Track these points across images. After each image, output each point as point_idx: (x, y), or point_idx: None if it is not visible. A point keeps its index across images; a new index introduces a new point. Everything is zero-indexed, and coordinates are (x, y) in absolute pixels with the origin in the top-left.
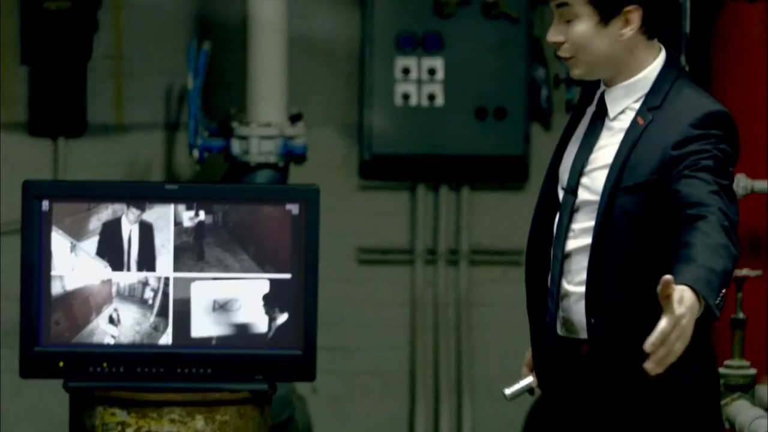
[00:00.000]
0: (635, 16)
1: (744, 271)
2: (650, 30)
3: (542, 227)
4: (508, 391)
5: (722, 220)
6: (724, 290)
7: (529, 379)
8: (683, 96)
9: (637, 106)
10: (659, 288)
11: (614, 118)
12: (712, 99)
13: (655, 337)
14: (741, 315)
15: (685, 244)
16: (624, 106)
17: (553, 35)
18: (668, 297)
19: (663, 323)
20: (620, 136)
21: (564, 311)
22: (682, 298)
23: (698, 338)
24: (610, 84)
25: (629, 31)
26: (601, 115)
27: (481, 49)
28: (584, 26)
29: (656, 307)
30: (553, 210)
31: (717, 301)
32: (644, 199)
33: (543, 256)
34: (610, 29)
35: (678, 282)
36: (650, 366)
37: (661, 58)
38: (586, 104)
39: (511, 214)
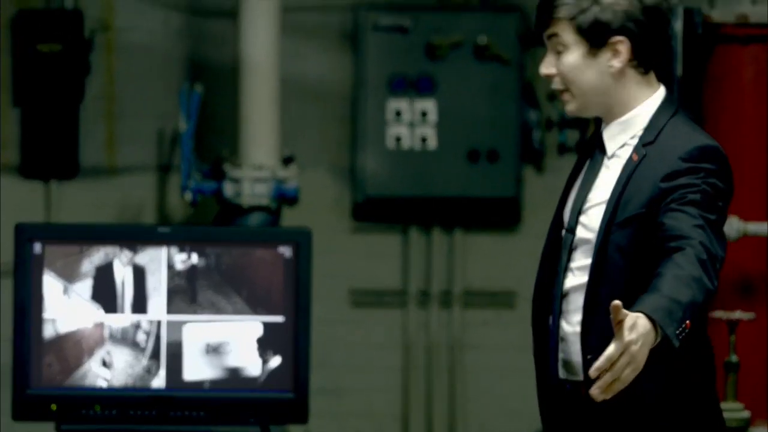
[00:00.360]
0: (623, 47)
1: (737, 314)
2: (642, 63)
3: (547, 270)
4: None
5: (701, 253)
6: (687, 321)
7: None
8: (677, 131)
9: (634, 142)
10: (611, 314)
11: (612, 156)
12: (705, 135)
13: (600, 362)
14: (734, 358)
15: (657, 275)
16: (621, 142)
17: (545, 68)
18: (620, 323)
19: (610, 349)
20: (618, 173)
21: (564, 353)
22: (635, 325)
23: (698, 380)
24: (607, 121)
25: (618, 63)
26: (600, 154)
27: (474, 92)
28: (573, 56)
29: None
30: (557, 252)
31: (678, 331)
32: (635, 234)
33: (547, 298)
34: (599, 60)
35: (635, 310)
36: (595, 392)
37: (658, 95)
38: (591, 146)
39: (504, 256)
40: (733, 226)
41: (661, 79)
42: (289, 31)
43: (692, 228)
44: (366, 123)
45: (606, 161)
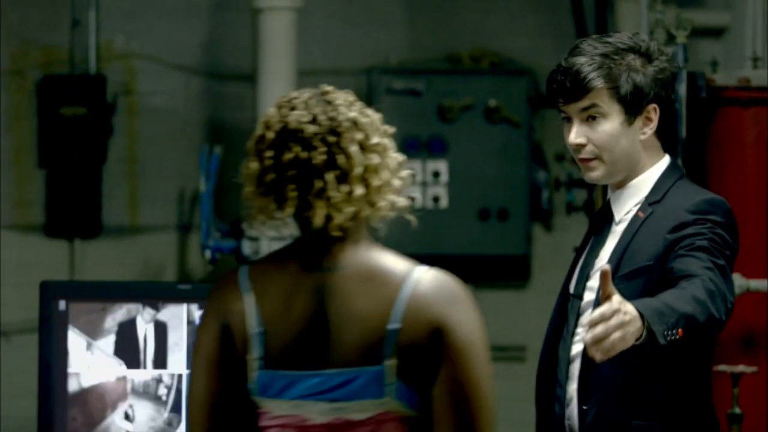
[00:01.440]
0: (654, 114)
1: (740, 368)
2: (660, 129)
3: (554, 336)
4: None
5: (709, 285)
6: (680, 330)
7: None
8: (683, 190)
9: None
10: (600, 279)
11: (619, 222)
12: (708, 192)
13: (594, 316)
14: (737, 410)
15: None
16: (627, 208)
17: (577, 137)
18: (608, 296)
19: (602, 307)
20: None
21: (569, 419)
22: (625, 303)
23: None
24: (615, 188)
25: (649, 130)
26: (608, 221)
27: (484, 153)
28: (611, 125)
29: (650, 397)
30: (564, 319)
31: (666, 333)
32: (639, 286)
33: (553, 364)
34: (633, 128)
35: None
36: (588, 340)
37: (664, 161)
38: (600, 216)
39: (513, 311)
40: (736, 282)
41: (667, 140)
42: None
43: (702, 269)
44: None
45: (614, 227)
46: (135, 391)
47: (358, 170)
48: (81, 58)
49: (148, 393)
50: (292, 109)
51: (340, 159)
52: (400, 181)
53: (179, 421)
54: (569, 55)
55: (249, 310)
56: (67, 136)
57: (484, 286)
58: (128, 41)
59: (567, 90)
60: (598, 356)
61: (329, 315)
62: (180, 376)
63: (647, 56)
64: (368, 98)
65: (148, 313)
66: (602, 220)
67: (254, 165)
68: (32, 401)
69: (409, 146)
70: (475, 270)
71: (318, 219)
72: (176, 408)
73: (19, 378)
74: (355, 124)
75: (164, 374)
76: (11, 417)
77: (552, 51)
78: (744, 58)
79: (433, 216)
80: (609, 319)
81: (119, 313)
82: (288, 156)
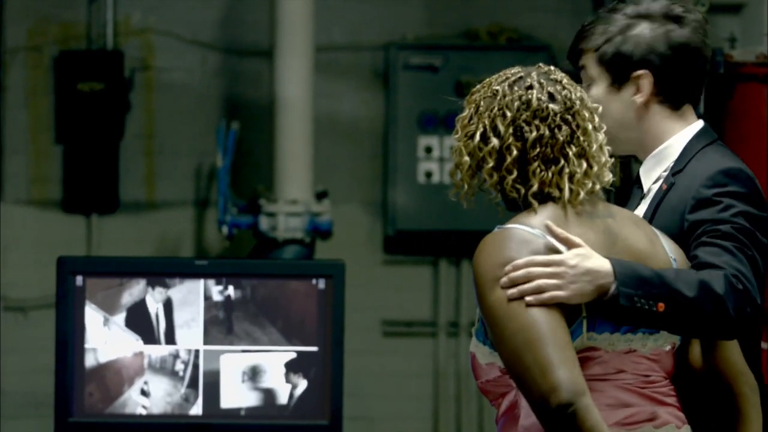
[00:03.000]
0: (646, 82)
1: None
2: (669, 98)
3: None
4: None
5: (734, 282)
6: (661, 303)
7: None
8: (705, 159)
9: (666, 174)
10: (549, 231)
11: (648, 191)
12: (732, 158)
13: (520, 261)
14: None
15: None
16: (655, 176)
17: None
18: (567, 244)
19: (538, 257)
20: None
21: None
22: (581, 257)
23: None
24: (641, 157)
25: (640, 98)
26: (638, 190)
27: None
28: (598, 89)
29: (677, 375)
30: None
31: (637, 298)
32: None
33: None
34: (623, 94)
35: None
36: (504, 281)
37: (693, 127)
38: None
39: None
40: None
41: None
42: (322, 71)
43: (729, 264)
44: (397, 159)
45: (643, 198)
46: (152, 367)
47: (594, 148)
48: (98, 34)
49: (164, 368)
50: (529, 88)
51: (580, 137)
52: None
53: (196, 397)
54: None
55: None
56: (85, 111)
57: None
58: (146, 17)
59: (569, 48)
60: (528, 299)
61: (623, 254)
62: (197, 351)
63: (655, 21)
64: (385, 74)
65: (165, 288)
66: (635, 190)
67: (495, 141)
68: (50, 377)
69: (427, 122)
70: None
71: (564, 194)
72: (193, 383)
73: (37, 353)
74: (582, 102)
75: (181, 349)
76: (29, 392)
77: (569, 27)
78: (762, 34)
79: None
80: (538, 266)
81: (136, 288)
82: (533, 135)
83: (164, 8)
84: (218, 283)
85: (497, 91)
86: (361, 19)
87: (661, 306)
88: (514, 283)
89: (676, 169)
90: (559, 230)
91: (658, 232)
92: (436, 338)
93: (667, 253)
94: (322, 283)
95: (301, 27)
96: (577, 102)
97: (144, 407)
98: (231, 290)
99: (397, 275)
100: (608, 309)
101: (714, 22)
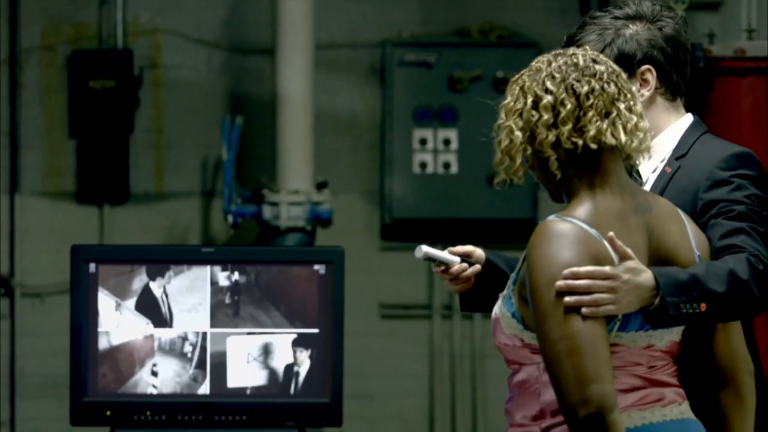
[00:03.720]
0: (650, 76)
1: None
2: (669, 90)
3: None
4: (424, 248)
5: (755, 262)
6: (703, 304)
7: (452, 258)
8: (709, 144)
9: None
10: (608, 243)
11: (646, 180)
12: (736, 146)
13: (580, 270)
14: None
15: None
16: (653, 167)
17: None
18: (624, 258)
19: (600, 267)
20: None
21: None
22: (633, 271)
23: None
24: None
25: (647, 92)
26: (637, 181)
27: (492, 121)
28: None
29: (687, 347)
30: None
31: (683, 305)
32: None
33: None
34: None
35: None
36: (561, 285)
37: (686, 119)
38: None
39: None
40: None
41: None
42: (321, 67)
43: (746, 242)
44: (393, 151)
45: (642, 185)
46: (161, 349)
47: (639, 107)
48: (109, 34)
49: (173, 350)
50: (572, 55)
51: (627, 94)
52: None
53: (204, 377)
54: (576, 29)
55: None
56: (96, 108)
57: (492, 247)
58: (154, 17)
59: None
60: (584, 311)
61: (655, 250)
62: (204, 334)
63: (644, 20)
64: (382, 70)
65: (173, 275)
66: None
67: (548, 98)
68: (65, 359)
69: (421, 116)
70: (483, 232)
71: (622, 140)
72: (201, 364)
73: (53, 337)
74: (622, 74)
75: (189, 332)
76: (46, 374)
77: (557, 24)
78: (739, 30)
79: (444, 181)
80: (598, 278)
81: (146, 275)
82: (585, 88)
83: (171, 9)
84: (224, 270)
85: (541, 66)
86: (359, 17)
87: (703, 306)
88: (571, 290)
89: (679, 154)
90: (619, 243)
91: (686, 220)
92: (431, 320)
93: (693, 248)
94: (322, 269)
95: (302, 26)
96: (618, 70)
97: (154, 387)
98: (236, 276)
99: (394, 261)
100: (653, 315)
101: (694, 18)
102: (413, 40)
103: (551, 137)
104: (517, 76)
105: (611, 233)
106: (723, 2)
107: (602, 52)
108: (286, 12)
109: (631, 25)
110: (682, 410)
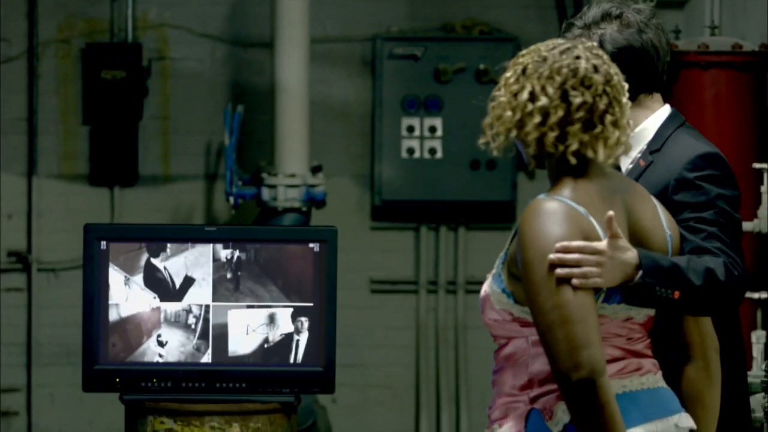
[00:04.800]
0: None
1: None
2: (649, 84)
3: None
4: None
5: (731, 268)
6: (677, 292)
7: None
8: (680, 141)
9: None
10: (605, 223)
11: (625, 172)
12: (706, 143)
13: (570, 244)
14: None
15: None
16: (632, 156)
17: None
18: (613, 237)
19: (590, 243)
20: None
21: None
22: (620, 249)
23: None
24: None
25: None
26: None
27: (475, 110)
28: None
29: (660, 343)
30: None
31: (660, 288)
32: None
33: None
34: None
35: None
36: (553, 258)
37: (663, 110)
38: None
39: (500, 250)
40: None
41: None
42: (316, 60)
43: (720, 249)
44: (383, 137)
45: None
46: (167, 320)
47: (624, 120)
48: (120, 28)
49: (178, 322)
50: (577, 58)
51: (615, 107)
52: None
53: (206, 347)
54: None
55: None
56: (108, 96)
57: (474, 228)
58: (161, 13)
59: None
60: (574, 282)
61: (633, 228)
62: (207, 306)
63: (619, 20)
64: (372, 63)
65: (178, 252)
66: None
67: (544, 101)
68: (78, 329)
69: (409, 105)
70: (466, 214)
71: (600, 157)
72: (204, 335)
73: (66, 309)
74: (618, 78)
75: (193, 305)
76: (60, 344)
77: (534, 21)
78: (703, 26)
79: (430, 166)
80: (588, 253)
81: (153, 252)
82: (578, 100)
83: (178, 5)
84: (225, 247)
85: (547, 57)
86: (351, 14)
87: (677, 294)
88: (562, 263)
89: (654, 148)
90: (614, 224)
91: (657, 204)
92: (418, 295)
93: (665, 228)
94: (317, 247)
95: (299, 21)
96: (615, 77)
97: (160, 356)
98: (237, 253)
99: (384, 240)
100: (630, 292)
101: (661, 15)
102: (401, 35)
103: (536, 134)
104: (522, 53)
105: (611, 212)
106: (688, 0)
107: None
108: (284, 8)
109: (606, 29)
110: (657, 379)
